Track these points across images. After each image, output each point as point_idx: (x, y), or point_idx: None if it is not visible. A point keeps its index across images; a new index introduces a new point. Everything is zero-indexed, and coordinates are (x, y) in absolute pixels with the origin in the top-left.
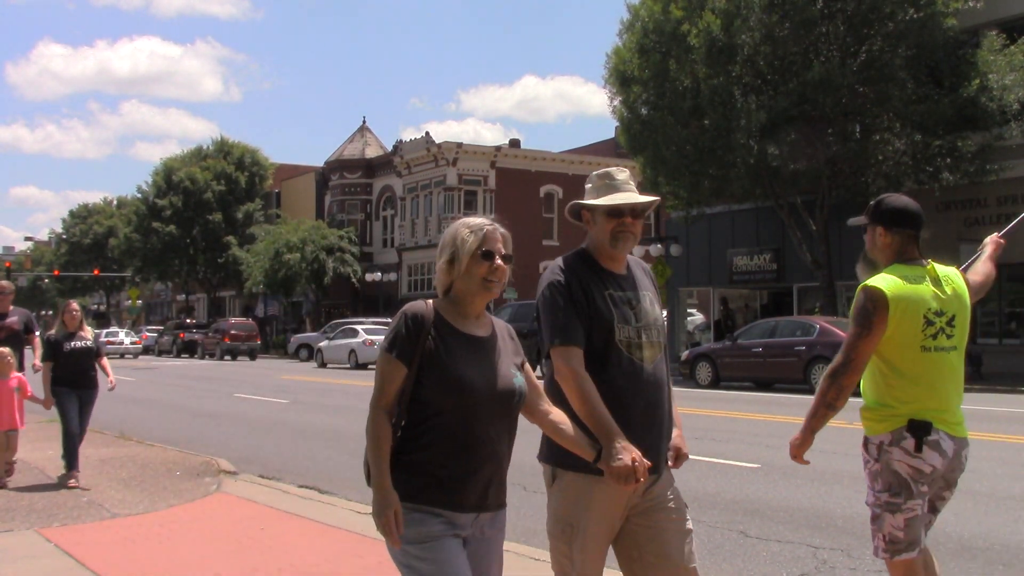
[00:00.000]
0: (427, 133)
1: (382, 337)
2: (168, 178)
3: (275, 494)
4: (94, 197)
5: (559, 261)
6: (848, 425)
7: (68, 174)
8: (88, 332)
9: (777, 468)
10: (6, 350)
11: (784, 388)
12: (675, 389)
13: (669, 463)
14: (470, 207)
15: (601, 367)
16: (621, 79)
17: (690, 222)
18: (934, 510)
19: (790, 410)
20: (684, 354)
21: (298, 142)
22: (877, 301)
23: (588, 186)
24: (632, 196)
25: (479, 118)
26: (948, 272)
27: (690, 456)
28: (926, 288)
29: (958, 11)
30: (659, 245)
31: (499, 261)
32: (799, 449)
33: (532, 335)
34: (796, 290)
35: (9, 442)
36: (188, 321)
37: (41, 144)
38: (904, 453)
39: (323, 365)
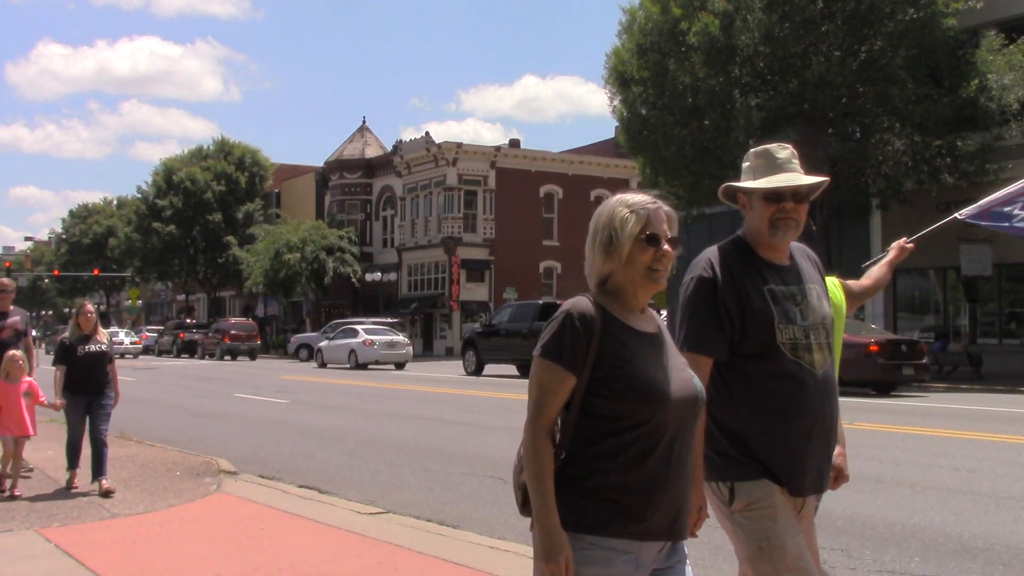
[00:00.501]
0: (427, 133)
1: (383, 337)
2: (168, 178)
3: (275, 494)
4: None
5: (711, 251)
6: (848, 425)
7: (68, 174)
8: (103, 335)
9: None
10: (18, 353)
11: None
12: None
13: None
14: (470, 207)
15: (763, 374)
16: (620, 79)
17: (690, 222)
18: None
19: None
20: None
21: (298, 142)
22: None
23: (745, 164)
24: (794, 177)
25: (479, 118)
26: (828, 281)
27: None
28: None
29: (958, 11)
30: None
31: (666, 246)
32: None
33: (533, 335)
34: None
35: (18, 449)
36: (188, 321)
37: (41, 144)
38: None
39: (323, 365)
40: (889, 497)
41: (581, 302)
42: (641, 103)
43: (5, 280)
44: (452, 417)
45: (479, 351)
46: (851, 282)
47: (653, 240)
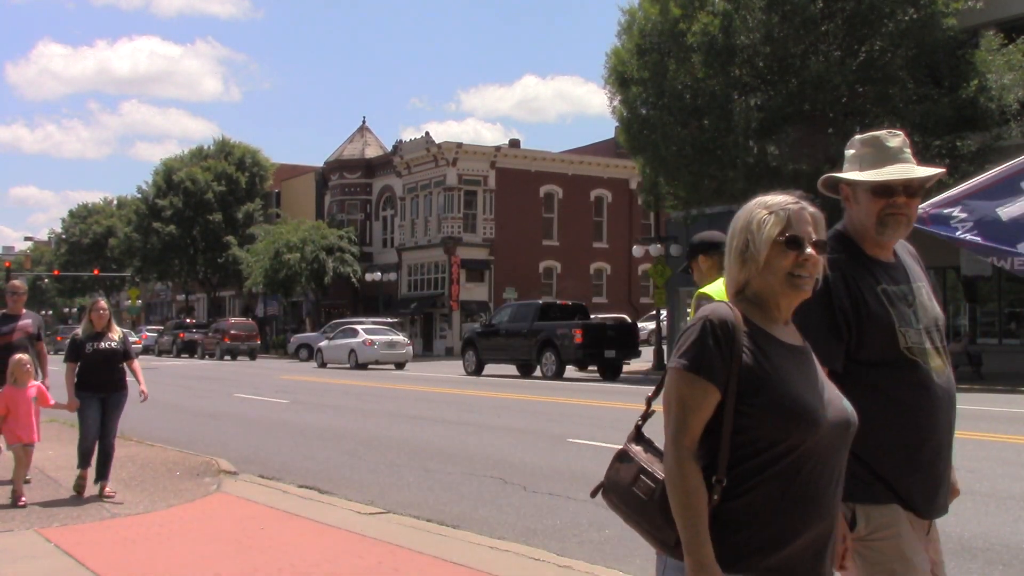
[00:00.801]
0: (427, 133)
1: (383, 337)
2: (168, 178)
3: (275, 494)
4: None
5: None
6: None
7: (68, 174)
8: (116, 333)
9: None
10: (25, 357)
11: None
12: None
13: None
14: (470, 207)
15: (889, 384)
16: (620, 79)
17: (690, 222)
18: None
19: None
20: None
21: (298, 142)
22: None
23: (849, 152)
24: (907, 169)
25: (479, 118)
26: None
27: None
28: None
29: (958, 11)
30: (659, 245)
31: (810, 250)
32: None
33: (533, 335)
34: None
35: (26, 456)
36: (188, 321)
37: (41, 144)
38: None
39: (323, 365)
40: None
41: (720, 308)
42: (641, 103)
43: (17, 283)
44: (452, 417)
45: (479, 351)
46: None
47: (794, 243)
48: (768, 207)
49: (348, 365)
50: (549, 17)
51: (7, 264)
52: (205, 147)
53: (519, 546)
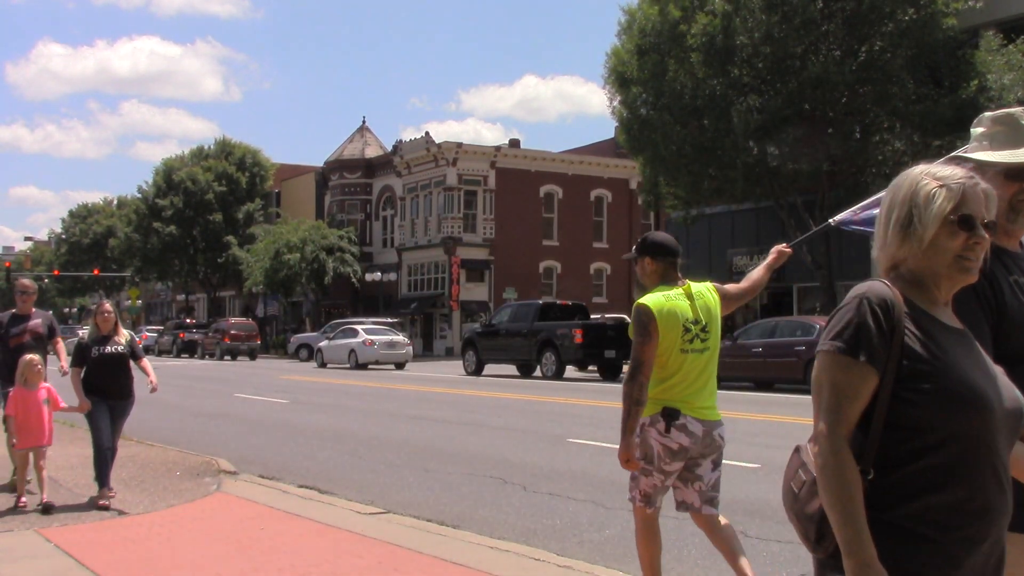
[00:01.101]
0: (427, 133)
1: (383, 337)
2: (169, 178)
3: (275, 494)
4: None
5: None
6: None
7: (68, 174)
8: (123, 336)
9: (777, 468)
10: (35, 357)
11: (784, 388)
12: None
13: None
14: (470, 207)
15: None
16: (620, 80)
17: (690, 222)
18: (694, 476)
19: (790, 410)
20: None
21: (298, 142)
22: (648, 315)
23: (977, 130)
24: None
25: (479, 118)
26: (701, 288)
27: None
28: (683, 303)
29: (957, 11)
30: None
31: (983, 232)
32: (628, 454)
33: (533, 335)
34: (796, 290)
35: (36, 459)
36: (188, 321)
37: (41, 144)
38: (657, 433)
39: (323, 365)
40: None
41: (877, 287)
42: (641, 103)
43: (26, 281)
44: (452, 417)
45: (479, 351)
46: (729, 286)
47: (967, 223)
48: (939, 179)
49: (348, 365)
50: (549, 17)
51: (7, 264)
52: (206, 147)
53: (519, 546)
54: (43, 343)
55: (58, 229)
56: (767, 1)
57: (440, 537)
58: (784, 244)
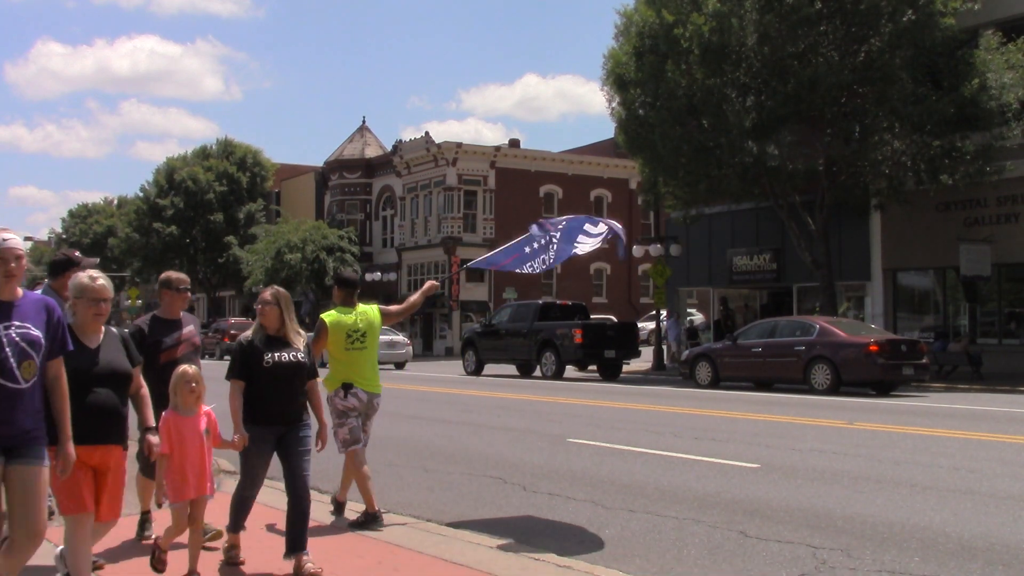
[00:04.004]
0: (427, 133)
1: (383, 337)
2: (170, 178)
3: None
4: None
5: None
6: (848, 426)
7: (68, 174)
8: (300, 339)
9: (777, 468)
10: (193, 370)
11: (784, 388)
12: (674, 389)
13: None
14: (470, 207)
15: None
16: (618, 81)
17: (690, 222)
18: (364, 428)
19: (790, 410)
20: (684, 354)
21: (298, 142)
22: (323, 325)
23: None
24: None
25: (479, 117)
26: (367, 309)
27: (690, 456)
28: (350, 318)
29: (956, 11)
30: (659, 245)
31: None
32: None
33: (533, 335)
34: (796, 290)
35: (196, 512)
36: None
37: (40, 144)
38: (339, 399)
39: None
40: (889, 497)
41: None
42: (639, 104)
43: (180, 275)
44: (452, 417)
45: (479, 351)
46: (392, 307)
47: None
48: None
49: None
50: (549, 17)
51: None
52: (208, 147)
53: (519, 546)
54: (198, 357)
55: (58, 229)
56: (763, 1)
57: (440, 537)
58: (434, 280)
